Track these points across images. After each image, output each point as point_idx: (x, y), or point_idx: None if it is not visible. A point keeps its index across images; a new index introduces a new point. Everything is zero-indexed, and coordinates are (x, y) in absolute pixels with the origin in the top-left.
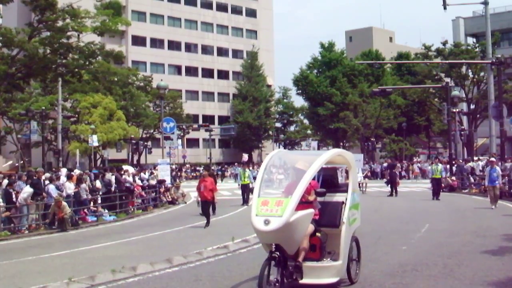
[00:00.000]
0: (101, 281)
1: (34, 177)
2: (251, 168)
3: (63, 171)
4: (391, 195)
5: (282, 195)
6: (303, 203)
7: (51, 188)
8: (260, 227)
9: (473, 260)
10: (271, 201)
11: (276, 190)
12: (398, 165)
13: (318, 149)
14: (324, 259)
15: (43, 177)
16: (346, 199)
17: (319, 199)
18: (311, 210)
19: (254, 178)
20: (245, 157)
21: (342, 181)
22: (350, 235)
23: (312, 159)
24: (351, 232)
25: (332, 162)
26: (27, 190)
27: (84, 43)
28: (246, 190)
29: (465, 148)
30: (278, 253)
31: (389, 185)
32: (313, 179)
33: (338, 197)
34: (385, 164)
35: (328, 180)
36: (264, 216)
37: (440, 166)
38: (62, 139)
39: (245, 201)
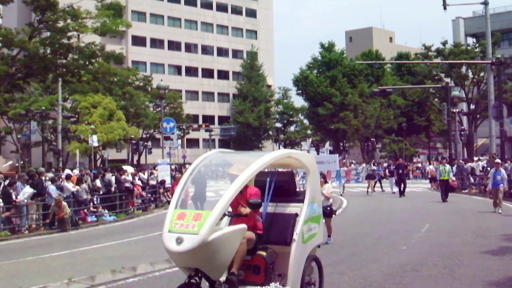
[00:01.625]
0: (101, 281)
1: (36, 177)
2: None
3: (67, 172)
4: (400, 195)
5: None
6: (239, 217)
7: (52, 188)
8: (170, 246)
9: (473, 260)
10: (189, 214)
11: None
12: (409, 166)
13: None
14: (272, 283)
15: (43, 178)
16: (301, 210)
17: (269, 209)
18: (241, 226)
19: None
20: None
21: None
22: (305, 255)
23: (252, 161)
24: (306, 250)
25: (284, 165)
26: (27, 191)
27: (85, 44)
28: None
29: (465, 148)
30: (197, 278)
31: (397, 186)
32: (260, 186)
33: (292, 208)
34: (385, 164)
35: (283, 187)
36: (178, 233)
37: (448, 167)
38: (62, 139)
39: None
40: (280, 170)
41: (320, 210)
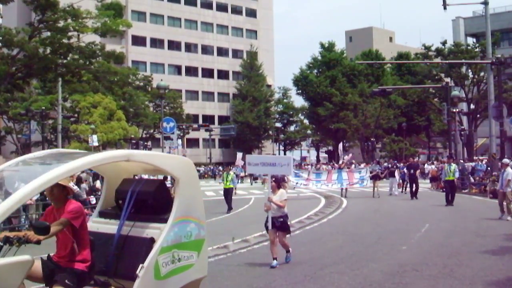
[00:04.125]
0: None
1: None
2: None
3: None
4: (412, 197)
5: None
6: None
7: None
8: None
9: (473, 260)
10: None
11: None
12: (421, 166)
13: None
14: None
15: None
16: (160, 234)
17: (124, 230)
18: (20, 259)
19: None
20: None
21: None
22: None
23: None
24: None
25: (157, 171)
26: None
27: (85, 43)
28: (229, 195)
29: (465, 148)
30: None
31: (409, 188)
32: (123, 198)
33: (151, 230)
34: (385, 164)
35: (147, 200)
36: None
37: (453, 166)
38: (62, 139)
39: (230, 207)
40: (150, 178)
41: (202, 233)
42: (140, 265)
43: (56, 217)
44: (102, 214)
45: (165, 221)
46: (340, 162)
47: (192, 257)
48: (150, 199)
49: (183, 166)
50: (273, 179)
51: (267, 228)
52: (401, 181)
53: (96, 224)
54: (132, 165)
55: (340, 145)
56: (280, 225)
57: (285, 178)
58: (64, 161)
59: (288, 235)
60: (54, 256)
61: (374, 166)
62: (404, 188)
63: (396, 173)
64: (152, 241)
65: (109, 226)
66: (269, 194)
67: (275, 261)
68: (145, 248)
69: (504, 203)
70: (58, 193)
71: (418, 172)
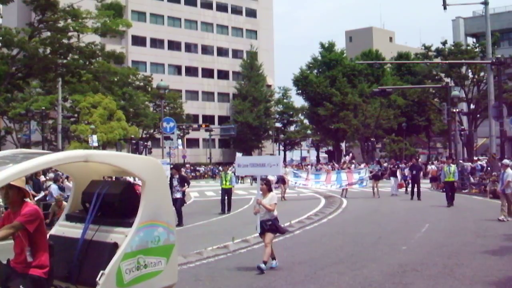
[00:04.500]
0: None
1: (35, 177)
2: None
3: None
4: (412, 197)
5: None
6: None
7: (54, 187)
8: None
9: (473, 260)
10: None
11: None
12: (423, 167)
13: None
14: None
15: (42, 178)
16: (124, 238)
17: (88, 234)
18: None
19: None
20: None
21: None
22: None
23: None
24: None
25: (122, 173)
26: None
27: (85, 44)
28: (228, 196)
29: (465, 148)
30: None
31: (410, 188)
32: (90, 200)
33: (116, 235)
34: (385, 164)
35: (113, 203)
36: None
37: (453, 167)
38: (62, 139)
39: (225, 208)
40: (116, 179)
41: (171, 238)
42: (101, 272)
43: (12, 219)
44: (69, 218)
45: (130, 225)
46: (341, 162)
47: (160, 263)
48: (116, 202)
49: (150, 167)
50: (264, 181)
51: (261, 234)
52: (403, 181)
53: (62, 228)
54: (102, 166)
55: (343, 145)
56: (268, 228)
57: (285, 178)
58: (19, 161)
59: (275, 235)
60: (11, 261)
61: (374, 166)
62: (406, 189)
63: (398, 173)
64: (115, 246)
65: (75, 230)
66: (258, 196)
67: (274, 261)
68: (108, 253)
69: (506, 204)
70: (13, 195)
71: (421, 173)
